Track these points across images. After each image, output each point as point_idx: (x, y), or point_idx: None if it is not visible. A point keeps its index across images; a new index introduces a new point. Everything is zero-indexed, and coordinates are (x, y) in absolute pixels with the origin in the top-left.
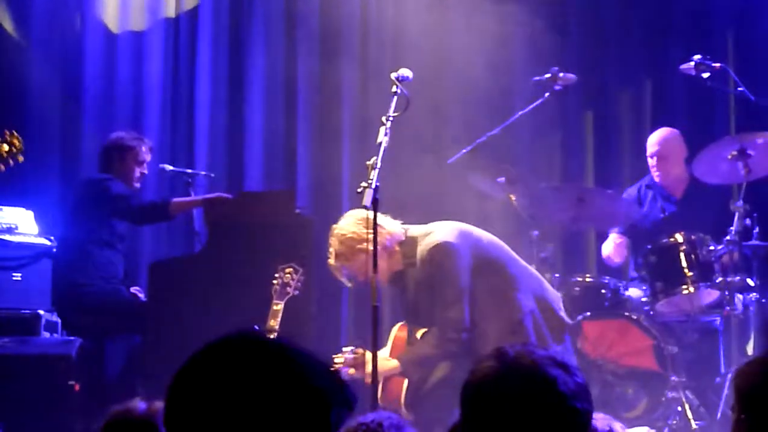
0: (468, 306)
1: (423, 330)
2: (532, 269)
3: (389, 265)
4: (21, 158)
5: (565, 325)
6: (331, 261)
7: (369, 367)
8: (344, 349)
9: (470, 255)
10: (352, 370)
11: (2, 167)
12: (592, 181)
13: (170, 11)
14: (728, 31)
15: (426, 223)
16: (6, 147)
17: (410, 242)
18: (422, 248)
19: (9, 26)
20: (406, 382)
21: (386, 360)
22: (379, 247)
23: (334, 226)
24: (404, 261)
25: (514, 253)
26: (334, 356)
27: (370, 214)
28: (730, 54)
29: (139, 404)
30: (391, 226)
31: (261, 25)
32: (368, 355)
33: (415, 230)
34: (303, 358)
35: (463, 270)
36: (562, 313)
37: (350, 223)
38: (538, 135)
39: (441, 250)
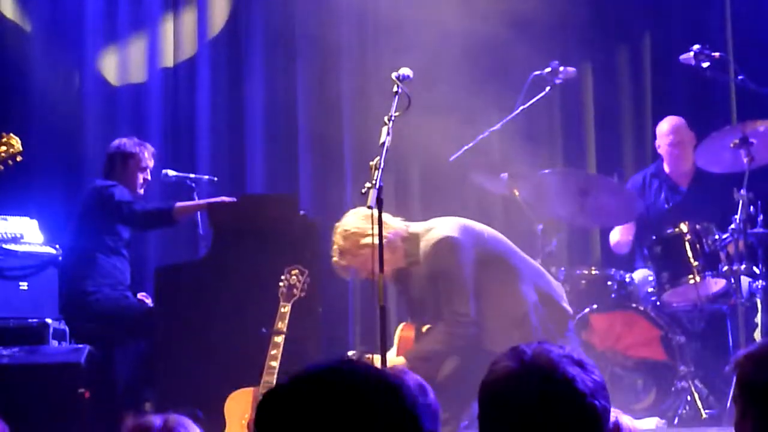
0: (473, 299)
1: (428, 326)
2: (534, 261)
3: (392, 261)
4: (19, 158)
5: (567, 316)
6: (335, 258)
7: None
8: (349, 353)
9: (473, 249)
10: None
11: (1, 168)
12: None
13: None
14: (727, 19)
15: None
16: (3, 148)
17: (413, 239)
18: (425, 244)
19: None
20: None
21: (394, 359)
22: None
23: (338, 223)
24: (407, 258)
25: (515, 246)
26: None
27: (362, 212)
28: (729, 42)
29: (154, 419)
30: (393, 222)
31: (260, 35)
32: (376, 358)
33: (416, 227)
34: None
35: (467, 264)
36: (565, 304)
37: (353, 219)
38: (539, 128)
39: (444, 244)
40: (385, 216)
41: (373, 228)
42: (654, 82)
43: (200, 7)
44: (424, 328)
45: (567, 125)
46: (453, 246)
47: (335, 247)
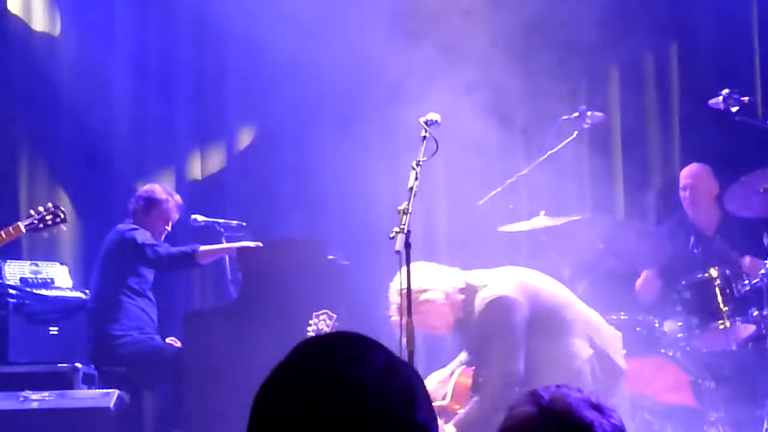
0: (523, 359)
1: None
2: (592, 311)
3: (451, 313)
4: (64, 227)
5: (620, 372)
6: (394, 317)
7: None
8: None
9: (528, 307)
10: None
11: (46, 235)
12: (623, 216)
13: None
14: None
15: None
16: (50, 216)
17: (470, 290)
18: (480, 300)
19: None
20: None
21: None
22: (441, 296)
23: (393, 282)
24: (465, 309)
25: (571, 295)
26: None
27: (420, 266)
28: (758, 84)
29: None
30: (449, 274)
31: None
32: None
33: (474, 278)
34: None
35: (521, 324)
36: (619, 359)
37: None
38: (567, 172)
39: (498, 304)
40: (442, 268)
41: (429, 282)
42: (683, 127)
43: None
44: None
45: (595, 170)
46: (507, 306)
47: (393, 306)
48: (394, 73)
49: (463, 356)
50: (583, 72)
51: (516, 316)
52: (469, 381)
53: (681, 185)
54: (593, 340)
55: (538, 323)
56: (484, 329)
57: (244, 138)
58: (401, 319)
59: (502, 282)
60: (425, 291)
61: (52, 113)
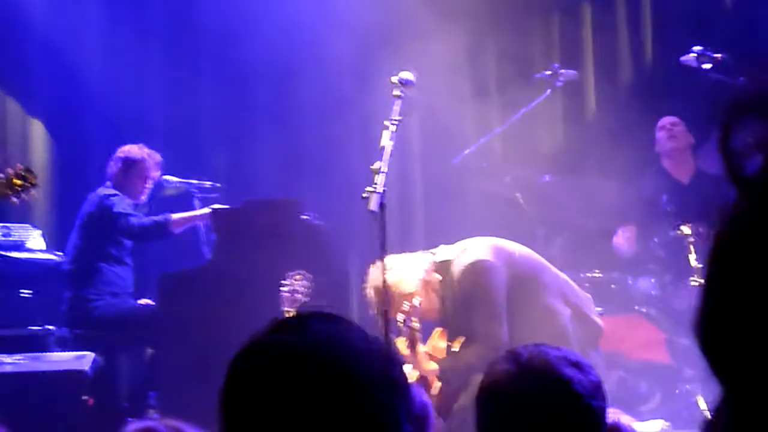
0: (506, 323)
1: (462, 339)
2: (563, 275)
3: (436, 293)
4: (34, 193)
5: (600, 329)
6: (378, 315)
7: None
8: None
9: (505, 270)
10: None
11: (16, 201)
12: (598, 173)
13: None
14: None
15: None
16: (20, 181)
17: (445, 266)
18: (457, 269)
19: None
20: (436, 388)
21: (426, 361)
22: (418, 284)
23: (366, 284)
24: (444, 288)
25: (544, 260)
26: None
27: (389, 260)
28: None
29: (158, 425)
30: (418, 260)
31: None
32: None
33: (446, 252)
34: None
35: (500, 287)
36: (596, 317)
37: (379, 274)
38: (541, 130)
39: (476, 268)
40: (408, 256)
41: (402, 274)
42: (655, 85)
43: None
44: (457, 343)
45: (569, 127)
46: (486, 270)
47: (375, 305)
48: (369, 32)
49: None
50: (556, 31)
51: (495, 279)
52: (443, 345)
53: (657, 133)
54: (569, 299)
55: (516, 286)
56: (466, 295)
57: (217, 97)
58: (382, 312)
59: (476, 248)
60: (400, 281)
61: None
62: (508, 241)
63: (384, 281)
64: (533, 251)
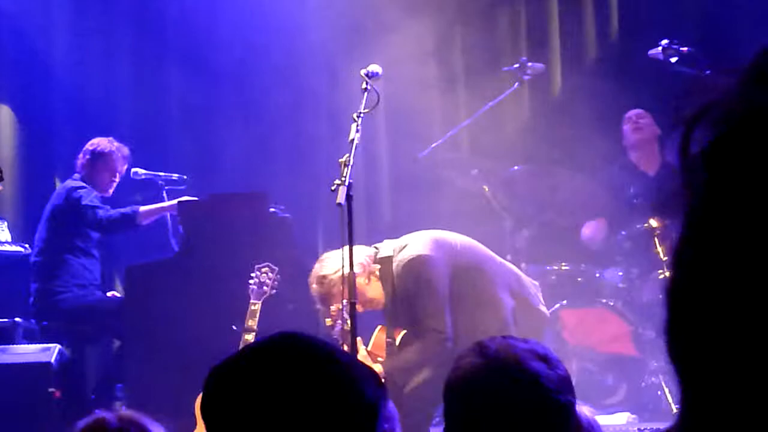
0: (449, 315)
1: (403, 332)
2: (509, 264)
3: (374, 289)
4: (1, 188)
5: (545, 319)
6: (322, 308)
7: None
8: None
9: (447, 263)
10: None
11: None
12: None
13: None
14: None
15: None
16: None
17: (386, 262)
18: (397, 264)
19: None
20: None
21: (368, 363)
22: (359, 269)
23: (310, 278)
24: (384, 279)
25: (489, 251)
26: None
27: (329, 253)
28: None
29: (109, 417)
30: (360, 250)
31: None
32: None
33: (387, 248)
34: (354, 365)
35: (441, 280)
36: (542, 307)
37: (320, 267)
38: (508, 123)
39: (417, 263)
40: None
41: (341, 262)
42: (623, 77)
43: None
44: (399, 336)
45: (536, 120)
46: (426, 263)
47: (319, 298)
48: (338, 24)
49: None
50: (523, 23)
51: (436, 272)
52: (384, 336)
53: (623, 126)
54: (514, 289)
55: (459, 278)
56: (406, 291)
57: (186, 89)
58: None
59: (417, 243)
60: (340, 269)
61: None
62: (450, 233)
63: (351, 272)
64: (478, 242)
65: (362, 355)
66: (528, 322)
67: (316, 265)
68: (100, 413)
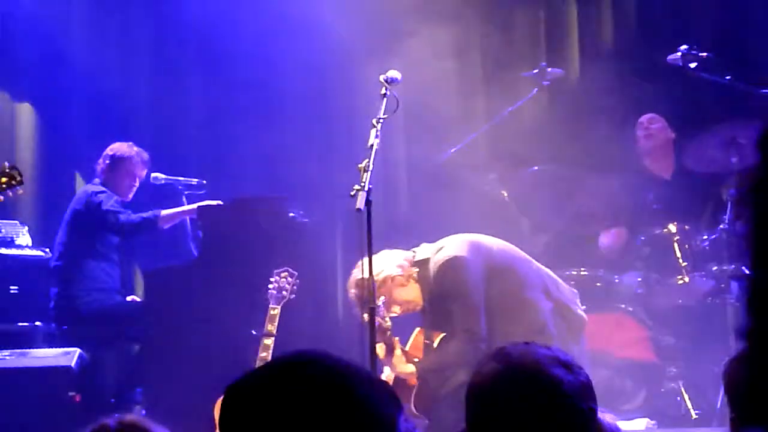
0: (484, 317)
1: (441, 335)
2: (545, 268)
3: (413, 293)
4: (21, 191)
5: (583, 323)
6: (362, 310)
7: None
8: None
9: (482, 265)
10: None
11: (1, 198)
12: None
13: None
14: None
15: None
16: (5, 179)
17: (423, 264)
18: (434, 265)
19: None
20: (415, 386)
21: (403, 363)
22: (398, 270)
23: (348, 283)
24: (422, 281)
25: (524, 254)
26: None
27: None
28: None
29: (109, 422)
30: (398, 257)
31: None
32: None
33: (424, 251)
34: (370, 382)
35: (477, 282)
36: (579, 310)
37: (357, 271)
38: (528, 129)
39: (453, 264)
40: (389, 253)
41: (381, 264)
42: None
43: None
44: (437, 339)
45: (556, 126)
46: (462, 265)
47: (357, 300)
48: (356, 30)
49: None
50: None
51: (471, 275)
52: (422, 338)
53: (637, 132)
54: (551, 293)
55: (495, 280)
56: (443, 292)
57: (205, 94)
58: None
59: (453, 245)
60: (381, 271)
61: None
62: (486, 236)
63: (370, 277)
64: (514, 246)
65: (397, 355)
66: (567, 324)
67: (355, 270)
68: (104, 419)
